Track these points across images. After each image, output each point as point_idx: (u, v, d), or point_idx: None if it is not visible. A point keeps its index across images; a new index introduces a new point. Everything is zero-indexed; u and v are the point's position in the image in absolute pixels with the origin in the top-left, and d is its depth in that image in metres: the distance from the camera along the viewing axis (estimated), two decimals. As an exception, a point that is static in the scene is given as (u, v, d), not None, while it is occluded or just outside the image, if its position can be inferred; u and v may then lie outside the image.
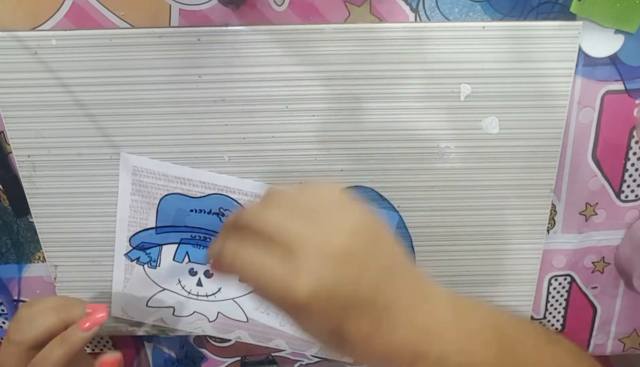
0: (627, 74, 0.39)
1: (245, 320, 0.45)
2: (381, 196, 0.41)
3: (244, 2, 0.37)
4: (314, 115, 0.39)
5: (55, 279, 0.44)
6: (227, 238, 0.28)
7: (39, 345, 0.34)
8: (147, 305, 0.45)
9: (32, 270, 0.45)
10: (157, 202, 0.42)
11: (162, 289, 0.45)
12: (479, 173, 0.41)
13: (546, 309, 0.47)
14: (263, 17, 0.38)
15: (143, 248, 0.43)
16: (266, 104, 0.39)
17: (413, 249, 0.43)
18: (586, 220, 0.44)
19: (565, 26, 0.37)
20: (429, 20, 0.38)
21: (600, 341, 0.49)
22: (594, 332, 0.49)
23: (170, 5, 0.37)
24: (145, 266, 0.44)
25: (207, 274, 0.44)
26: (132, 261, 0.44)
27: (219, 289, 0.44)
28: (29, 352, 0.34)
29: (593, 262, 0.46)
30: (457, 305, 0.28)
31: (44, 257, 0.44)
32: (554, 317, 0.48)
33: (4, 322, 0.47)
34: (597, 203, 0.43)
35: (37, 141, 0.40)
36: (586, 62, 0.39)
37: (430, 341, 0.26)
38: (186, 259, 0.44)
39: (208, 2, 0.37)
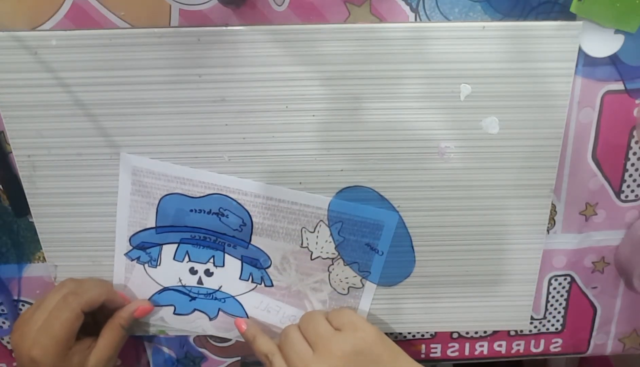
0: (627, 74, 0.39)
1: (246, 318, 0.45)
2: (381, 196, 0.41)
3: (244, 2, 0.37)
4: (314, 116, 0.39)
5: (55, 279, 0.44)
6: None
7: (88, 311, 0.40)
8: (147, 305, 0.45)
9: (32, 270, 0.45)
10: (157, 202, 0.42)
11: (162, 287, 0.45)
12: (479, 173, 0.41)
13: (546, 309, 0.47)
14: (263, 17, 0.38)
15: (143, 248, 0.43)
16: (266, 104, 0.39)
17: (413, 249, 0.43)
18: (586, 220, 0.44)
19: (565, 26, 0.37)
20: (429, 20, 0.38)
21: (600, 341, 0.49)
22: (594, 332, 0.49)
23: (170, 5, 0.37)
24: (146, 265, 0.44)
25: (208, 273, 0.44)
26: (132, 260, 0.44)
27: (220, 287, 0.45)
28: (81, 315, 0.39)
29: (593, 262, 0.46)
30: None
31: (44, 257, 0.44)
32: (554, 317, 0.48)
33: (4, 322, 0.47)
34: (597, 203, 0.43)
35: (37, 141, 0.40)
36: (586, 62, 0.39)
37: None
38: (186, 259, 0.44)
39: (208, 2, 0.37)
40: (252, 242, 0.43)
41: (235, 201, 0.42)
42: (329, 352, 0.37)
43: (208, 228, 0.43)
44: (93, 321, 0.43)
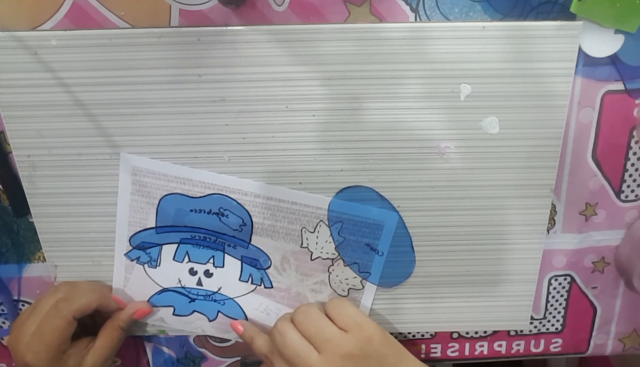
0: (627, 74, 0.39)
1: (245, 320, 0.45)
2: (381, 196, 0.41)
3: (244, 2, 0.37)
4: (314, 115, 0.39)
5: (55, 279, 0.44)
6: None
7: (80, 317, 0.40)
8: (147, 305, 0.45)
9: (32, 270, 0.45)
10: (157, 202, 0.42)
11: (162, 288, 0.45)
12: (479, 173, 0.41)
13: (546, 309, 0.47)
14: (263, 17, 0.38)
15: (143, 248, 0.43)
16: (266, 104, 0.39)
17: (413, 249, 0.43)
18: (586, 220, 0.44)
19: (565, 26, 0.37)
20: (429, 20, 0.38)
21: (600, 341, 0.49)
22: (594, 332, 0.49)
23: (170, 5, 0.37)
24: (146, 265, 0.44)
25: (207, 274, 0.44)
26: (132, 260, 0.44)
27: (219, 289, 0.45)
28: (72, 322, 0.39)
29: (593, 262, 0.46)
30: None
31: (44, 257, 0.44)
32: (554, 317, 0.48)
33: (4, 322, 0.47)
34: (597, 203, 0.43)
35: (37, 141, 0.40)
36: (586, 62, 0.39)
37: None
38: (186, 259, 0.44)
39: (208, 2, 0.37)
40: (252, 242, 0.43)
41: (235, 200, 0.42)
42: (336, 355, 0.37)
43: (208, 228, 0.43)
44: (92, 321, 0.43)
